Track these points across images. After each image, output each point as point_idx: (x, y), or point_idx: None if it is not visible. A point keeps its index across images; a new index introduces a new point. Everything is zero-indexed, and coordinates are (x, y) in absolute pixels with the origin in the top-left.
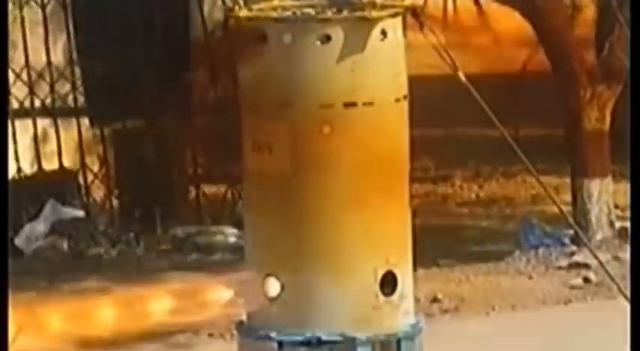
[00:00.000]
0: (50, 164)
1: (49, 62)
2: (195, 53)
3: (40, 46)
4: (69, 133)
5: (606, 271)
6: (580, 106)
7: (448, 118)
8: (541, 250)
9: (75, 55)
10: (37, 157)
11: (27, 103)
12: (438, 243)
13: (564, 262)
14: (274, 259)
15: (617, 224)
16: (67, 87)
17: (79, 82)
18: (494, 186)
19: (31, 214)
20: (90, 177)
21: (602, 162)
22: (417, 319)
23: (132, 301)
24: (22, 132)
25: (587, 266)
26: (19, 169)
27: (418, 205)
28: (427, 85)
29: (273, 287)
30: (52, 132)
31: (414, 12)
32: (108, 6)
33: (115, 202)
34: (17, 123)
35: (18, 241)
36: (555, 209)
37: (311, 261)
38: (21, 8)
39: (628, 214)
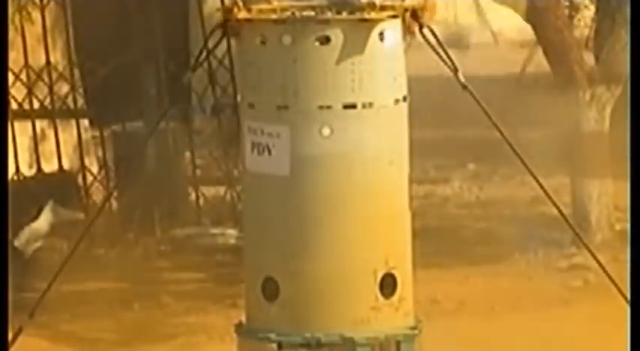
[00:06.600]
0: (49, 166)
1: (47, 63)
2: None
3: (39, 46)
4: (68, 135)
5: (606, 273)
6: (579, 108)
7: (447, 119)
8: (541, 252)
9: (74, 56)
10: (37, 158)
11: (26, 105)
12: (437, 244)
13: (564, 264)
14: (273, 261)
15: (617, 226)
16: (66, 88)
17: (78, 83)
18: (494, 187)
19: (30, 216)
20: (89, 178)
21: (602, 163)
22: (416, 321)
23: None
24: (20, 133)
25: (586, 268)
26: (17, 171)
27: (417, 206)
28: (427, 86)
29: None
30: (51, 133)
31: (414, 13)
32: (106, 6)
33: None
34: (16, 124)
35: (17, 243)
36: (555, 210)
37: (310, 262)
38: (20, 9)
39: (628, 215)
